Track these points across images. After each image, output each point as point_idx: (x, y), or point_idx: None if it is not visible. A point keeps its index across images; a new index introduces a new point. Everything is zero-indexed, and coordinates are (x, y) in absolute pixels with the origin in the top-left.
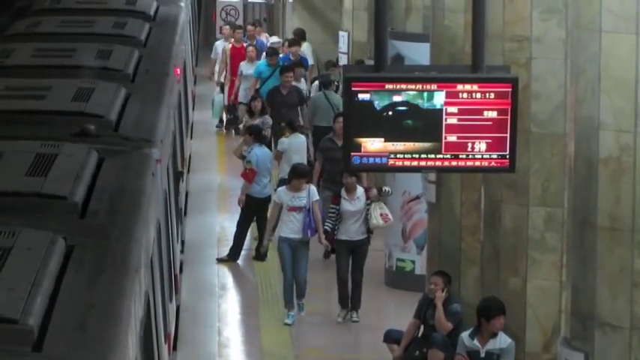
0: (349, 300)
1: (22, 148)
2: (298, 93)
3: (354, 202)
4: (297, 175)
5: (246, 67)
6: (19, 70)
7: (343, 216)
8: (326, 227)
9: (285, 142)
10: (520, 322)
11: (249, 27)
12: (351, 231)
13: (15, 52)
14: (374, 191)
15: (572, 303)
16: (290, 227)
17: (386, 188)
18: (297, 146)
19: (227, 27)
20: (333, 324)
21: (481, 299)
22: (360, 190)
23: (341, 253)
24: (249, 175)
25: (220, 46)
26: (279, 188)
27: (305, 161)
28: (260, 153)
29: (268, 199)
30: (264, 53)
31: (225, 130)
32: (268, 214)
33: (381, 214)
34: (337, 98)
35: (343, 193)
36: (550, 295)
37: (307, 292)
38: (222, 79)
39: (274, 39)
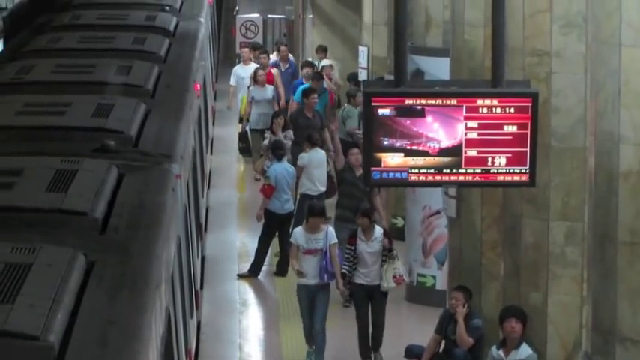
0: (370, 349)
1: (42, 164)
2: (320, 116)
3: (372, 242)
4: (314, 214)
5: (257, 92)
6: (39, 86)
7: (360, 258)
8: (343, 270)
9: (304, 157)
10: (541, 337)
11: (282, 47)
12: (370, 274)
13: (35, 68)
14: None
15: (593, 317)
16: (307, 272)
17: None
18: (317, 161)
19: (246, 49)
20: (355, 338)
21: None
22: (378, 230)
23: (359, 298)
24: (267, 190)
25: (241, 71)
26: (296, 229)
27: (325, 176)
28: (279, 169)
29: (290, 214)
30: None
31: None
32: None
33: (394, 276)
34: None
35: (359, 232)
36: (571, 309)
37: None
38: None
39: (326, 62)
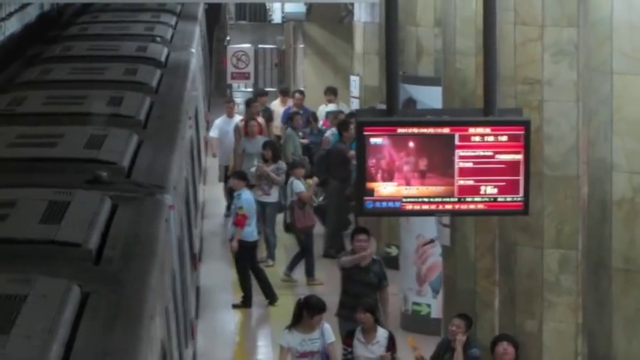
0: None
1: (35, 195)
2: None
3: (372, 346)
4: (312, 310)
5: (249, 145)
6: (31, 117)
7: None
8: None
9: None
10: None
11: (297, 95)
12: None
13: (27, 99)
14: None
15: (588, 345)
16: None
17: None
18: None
19: (230, 104)
20: None
21: None
22: (382, 332)
23: None
24: (241, 220)
25: (224, 124)
26: (286, 331)
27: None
28: (249, 197)
29: (255, 243)
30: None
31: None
32: None
33: None
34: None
35: (358, 333)
36: (566, 337)
37: None
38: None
39: (332, 107)
